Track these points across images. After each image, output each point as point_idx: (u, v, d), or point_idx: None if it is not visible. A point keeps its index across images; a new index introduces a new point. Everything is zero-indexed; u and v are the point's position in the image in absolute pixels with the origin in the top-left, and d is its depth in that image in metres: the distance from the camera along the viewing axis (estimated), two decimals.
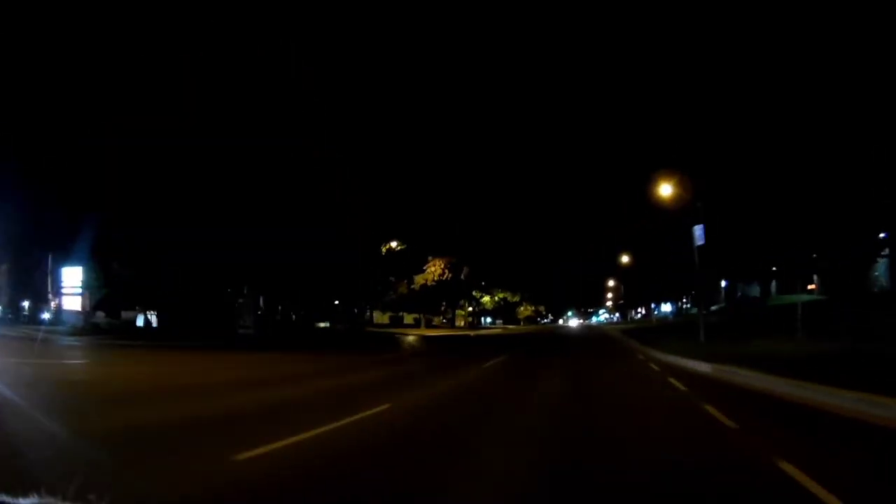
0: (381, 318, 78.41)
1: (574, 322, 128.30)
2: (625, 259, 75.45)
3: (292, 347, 25.75)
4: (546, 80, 67.72)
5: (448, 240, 53.92)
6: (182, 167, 36.85)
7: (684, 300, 71.80)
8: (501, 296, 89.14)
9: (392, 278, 49.77)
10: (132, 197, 36.61)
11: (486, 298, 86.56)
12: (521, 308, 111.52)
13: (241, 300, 40.22)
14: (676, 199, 43.14)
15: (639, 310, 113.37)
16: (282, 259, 39.89)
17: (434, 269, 53.29)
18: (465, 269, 57.68)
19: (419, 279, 53.36)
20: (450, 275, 54.30)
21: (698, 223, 45.20)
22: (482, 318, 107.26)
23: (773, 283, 56.08)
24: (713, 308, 60.66)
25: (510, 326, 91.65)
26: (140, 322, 46.30)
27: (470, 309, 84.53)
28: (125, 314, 48.89)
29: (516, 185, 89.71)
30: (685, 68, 43.44)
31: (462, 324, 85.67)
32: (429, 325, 75.62)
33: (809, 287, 49.26)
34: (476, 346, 28.47)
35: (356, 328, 45.85)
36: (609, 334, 40.17)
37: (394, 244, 49.31)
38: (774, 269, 51.82)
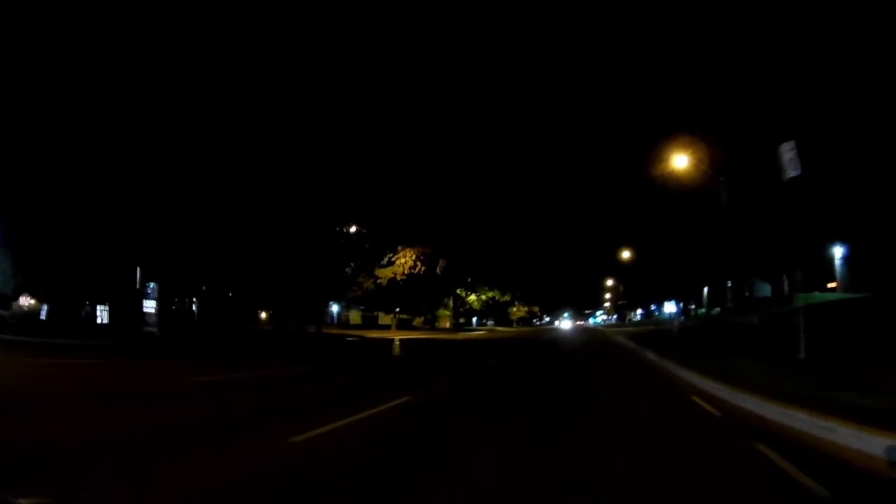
0: (357, 318, 70.51)
1: (567, 324, 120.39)
2: (626, 255, 68.10)
3: (169, 354, 18.21)
4: (536, 42, 59.67)
5: (420, 227, 45.67)
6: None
7: (695, 301, 64.03)
8: (490, 295, 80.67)
9: (348, 270, 41.53)
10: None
11: (472, 297, 78.06)
12: (514, 309, 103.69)
13: (148, 291, 32.59)
14: (693, 171, 35.60)
15: (638, 311, 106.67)
16: (200, 242, 32.45)
17: (404, 261, 45.11)
18: (442, 262, 49.45)
19: (387, 272, 45.16)
20: (423, 268, 46.07)
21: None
22: (472, 319, 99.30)
23: (786, 281, 48.91)
24: (716, 310, 52.91)
25: (499, 328, 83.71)
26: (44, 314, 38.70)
27: (453, 309, 76.29)
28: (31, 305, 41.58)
29: (505, 169, 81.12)
30: (698, 24, 36.56)
31: (447, 325, 77.68)
32: (405, 327, 67.56)
33: (830, 284, 42.19)
34: (422, 359, 19.59)
35: (302, 329, 37.97)
36: (614, 341, 30.64)
37: (353, 229, 41.24)
38: (785, 263, 45.12)
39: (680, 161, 33.17)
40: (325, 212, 37.35)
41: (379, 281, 45.22)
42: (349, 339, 35.26)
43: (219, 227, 33.56)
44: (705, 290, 60.81)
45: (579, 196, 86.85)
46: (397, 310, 64.97)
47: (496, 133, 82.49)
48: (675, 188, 39.44)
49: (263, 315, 50.46)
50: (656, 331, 32.19)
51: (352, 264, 40.99)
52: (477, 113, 74.15)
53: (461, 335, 45.08)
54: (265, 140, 34.63)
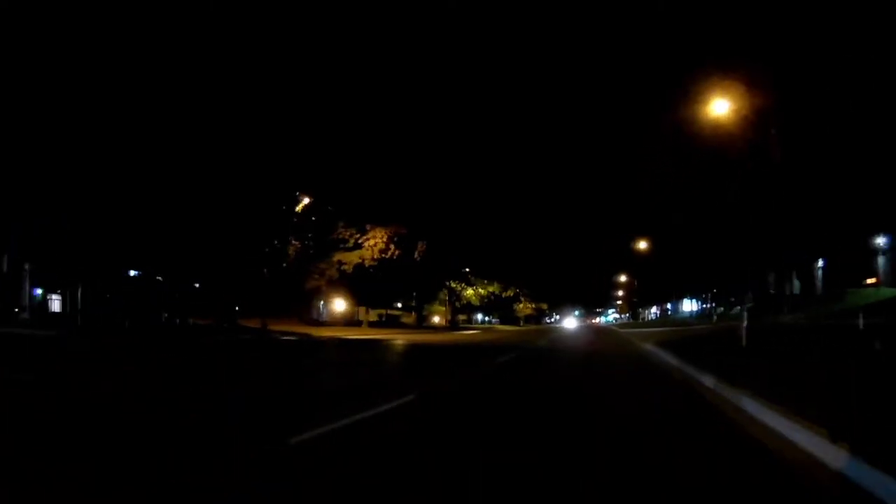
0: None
1: (573, 323, 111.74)
2: (642, 245, 60.17)
3: None
4: None
5: (395, 203, 37.35)
6: None
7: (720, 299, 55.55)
8: (490, 289, 72.04)
9: (292, 250, 33.37)
10: None
11: (470, 291, 69.47)
12: (520, 305, 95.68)
13: (26, 269, 25.38)
14: (731, 124, 27.39)
15: (653, 309, 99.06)
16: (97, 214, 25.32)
17: (373, 243, 37.01)
18: (421, 245, 41.17)
19: (352, 256, 37.02)
20: (396, 251, 37.91)
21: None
22: (476, 316, 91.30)
23: (819, 275, 41.67)
24: (737, 309, 44.78)
25: (500, 327, 75.47)
26: None
27: (449, 304, 68.10)
28: None
29: (507, 145, 72.65)
30: None
31: (443, 322, 69.69)
32: (393, 324, 59.64)
33: (869, 280, 35.05)
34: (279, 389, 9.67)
35: (233, 325, 30.33)
36: (641, 352, 17.83)
37: (306, 201, 33.19)
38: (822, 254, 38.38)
39: (718, 108, 24.99)
40: (267, 176, 29.63)
41: (344, 267, 37.21)
42: (284, 337, 27.57)
43: (128, 194, 26.22)
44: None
45: (591, 179, 78.49)
46: (393, 306, 56.89)
47: (492, 98, 74.24)
48: (707, 154, 31.98)
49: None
50: (702, 335, 22.48)
51: (295, 242, 32.90)
52: (468, 75, 66.21)
53: (441, 336, 36.90)
54: (196, 91, 27.19)
